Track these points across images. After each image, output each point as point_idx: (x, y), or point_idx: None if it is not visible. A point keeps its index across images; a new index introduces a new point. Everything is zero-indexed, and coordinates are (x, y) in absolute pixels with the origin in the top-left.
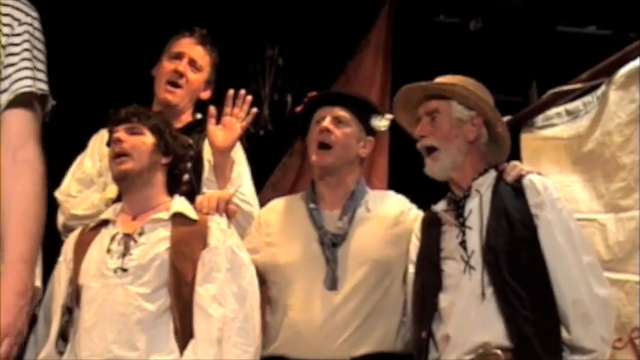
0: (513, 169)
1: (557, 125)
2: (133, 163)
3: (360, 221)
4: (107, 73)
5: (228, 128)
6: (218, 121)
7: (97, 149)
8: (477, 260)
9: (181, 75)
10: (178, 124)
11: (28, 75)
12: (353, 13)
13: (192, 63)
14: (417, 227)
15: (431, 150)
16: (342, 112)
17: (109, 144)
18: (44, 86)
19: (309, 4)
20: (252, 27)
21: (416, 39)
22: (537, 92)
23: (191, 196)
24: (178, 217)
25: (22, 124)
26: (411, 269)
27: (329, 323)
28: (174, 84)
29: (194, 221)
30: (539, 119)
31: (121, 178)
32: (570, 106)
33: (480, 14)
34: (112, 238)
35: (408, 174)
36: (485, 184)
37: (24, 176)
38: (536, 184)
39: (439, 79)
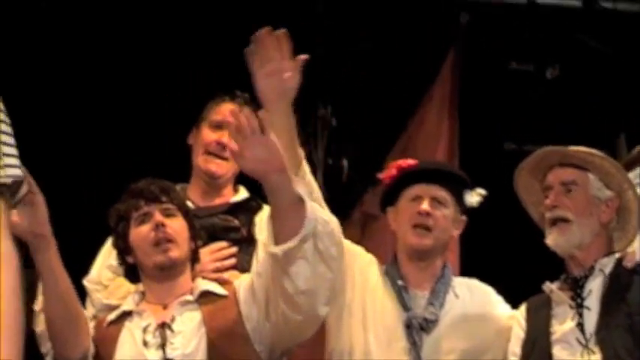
0: (634, 255)
1: None
2: (179, 250)
3: (450, 308)
4: (128, 145)
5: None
6: None
7: None
8: (595, 344)
9: (225, 147)
10: (220, 200)
11: None
12: (413, 64)
13: None
14: (519, 315)
15: (560, 221)
16: (441, 193)
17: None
18: (15, 171)
19: (363, 58)
20: (301, 85)
21: (485, 90)
22: (627, 146)
23: None
24: (206, 296)
25: None
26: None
27: None
28: (218, 156)
29: (223, 296)
30: (630, 177)
31: (167, 267)
32: None
33: (556, 60)
34: (144, 330)
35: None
36: (609, 265)
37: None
38: None
39: (578, 148)
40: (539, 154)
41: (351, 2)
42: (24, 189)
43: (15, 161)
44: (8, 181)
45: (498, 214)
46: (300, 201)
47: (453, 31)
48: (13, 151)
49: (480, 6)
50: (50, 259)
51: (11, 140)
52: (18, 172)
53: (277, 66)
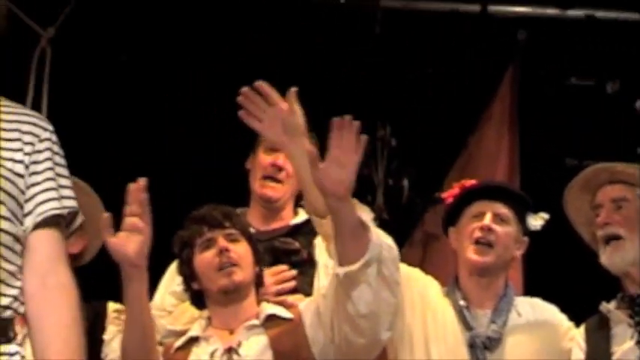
0: None
1: None
2: (243, 273)
3: (514, 326)
4: (189, 171)
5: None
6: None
7: None
8: None
9: (280, 169)
10: (280, 223)
11: (54, 196)
12: (472, 83)
13: None
14: (579, 336)
15: (613, 239)
16: (503, 209)
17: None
18: (71, 202)
19: (422, 77)
20: (358, 104)
21: (545, 106)
22: None
23: None
24: (271, 320)
25: (49, 248)
26: None
27: None
28: (274, 179)
29: (289, 320)
30: None
31: (232, 290)
32: None
33: (617, 74)
34: (212, 356)
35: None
36: None
37: (59, 303)
38: None
39: (626, 165)
40: (587, 173)
41: (409, 23)
42: (79, 219)
43: (70, 193)
44: (65, 212)
45: (561, 230)
46: (363, 226)
47: (511, 49)
48: (69, 182)
49: (538, 22)
50: (140, 290)
51: (66, 172)
52: (74, 203)
53: (273, 113)
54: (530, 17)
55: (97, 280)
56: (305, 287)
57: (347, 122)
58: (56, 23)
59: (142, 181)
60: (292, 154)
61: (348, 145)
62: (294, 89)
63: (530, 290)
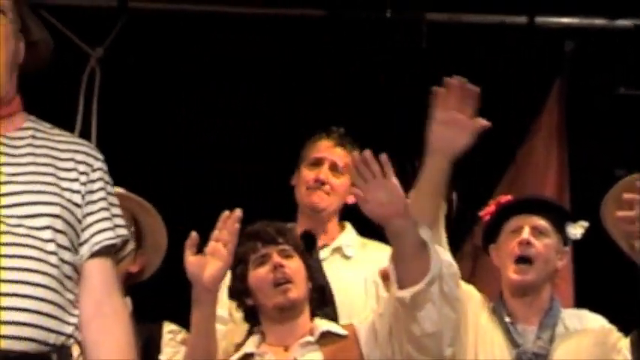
0: None
1: None
2: (297, 290)
3: (561, 340)
4: (237, 185)
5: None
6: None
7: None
8: None
9: (323, 183)
10: (326, 238)
11: (109, 226)
12: (519, 95)
13: (333, 167)
14: (625, 349)
15: None
16: (541, 222)
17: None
18: (123, 231)
19: None
20: (406, 118)
21: (594, 117)
22: None
23: None
24: (326, 337)
25: (104, 277)
26: None
27: None
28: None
29: (343, 337)
30: None
31: (287, 307)
32: None
33: None
34: None
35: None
36: None
37: (115, 329)
38: None
39: None
40: (622, 184)
41: (455, 36)
42: (129, 246)
43: (122, 221)
44: (119, 241)
45: (613, 241)
46: (423, 245)
47: (558, 60)
48: (119, 210)
49: (585, 33)
50: (209, 314)
51: (116, 200)
52: (126, 231)
53: (457, 118)
54: (578, 28)
55: (153, 299)
56: None
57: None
58: (105, 43)
59: (238, 212)
60: (431, 162)
61: (378, 172)
62: (485, 122)
63: (581, 301)
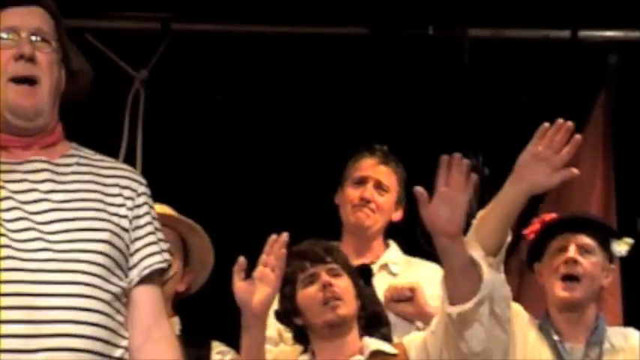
0: None
1: None
2: (347, 308)
3: (608, 358)
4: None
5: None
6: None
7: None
8: None
9: (368, 201)
10: (371, 256)
11: (156, 250)
12: (563, 109)
13: (378, 186)
14: None
15: None
16: (586, 240)
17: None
18: (168, 256)
19: (512, 105)
20: (449, 134)
21: (639, 130)
22: None
23: None
24: (376, 356)
25: (153, 302)
26: None
27: None
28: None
29: (393, 355)
30: None
31: (337, 324)
32: None
33: None
34: None
35: None
36: None
37: (165, 354)
38: None
39: None
40: None
41: (498, 51)
42: (172, 271)
43: (166, 245)
44: (166, 265)
45: None
46: (473, 264)
47: (602, 73)
48: (163, 235)
49: (629, 45)
50: (258, 339)
51: (159, 225)
52: (170, 255)
53: (552, 158)
54: (621, 41)
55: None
56: None
57: (456, 160)
58: (149, 65)
59: (285, 237)
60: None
61: (457, 183)
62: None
63: (629, 318)
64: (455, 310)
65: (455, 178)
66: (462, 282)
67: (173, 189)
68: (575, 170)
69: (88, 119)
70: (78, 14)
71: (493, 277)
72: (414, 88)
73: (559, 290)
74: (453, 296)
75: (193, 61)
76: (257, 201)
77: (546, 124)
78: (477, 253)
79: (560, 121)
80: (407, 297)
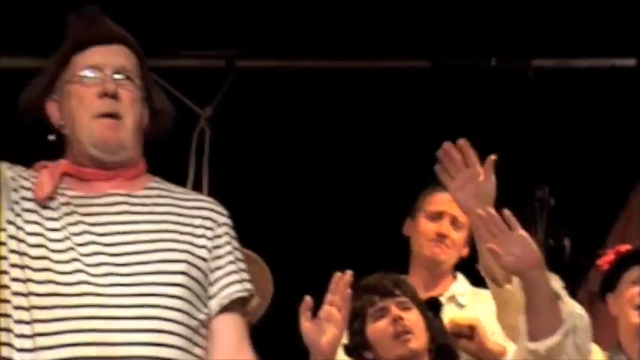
0: None
1: None
2: (418, 341)
3: None
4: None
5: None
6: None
7: None
8: None
9: (445, 237)
10: (440, 289)
11: (237, 279)
12: (630, 138)
13: (453, 222)
14: None
15: None
16: None
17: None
18: (250, 285)
19: (578, 134)
20: (516, 165)
21: None
22: None
23: None
24: None
25: (235, 331)
26: None
27: None
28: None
29: None
30: None
31: (408, 358)
32: None
33: None
34: None
35: None
36: None
37: None
38: None
39: None
40: None
41: (563, 81)
42: (254, 301)
43: (248, 275)
44: (247, 294)
45: None
46: (556, 296)
47: None
48: (245, 265)
49: None
50: None
51: (242, 255)
52: (251, 285)
53: (468, 174)
54: None
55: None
56: None
57: (447, 147)
58: (213, 102)
59: (349, 275)
60: (475, 221)
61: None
62: (493, 157)
63: None
64: (541, 345)
65: (502, 224)
66: (545, 315)
67: (240, 225)
68: (492, 157)
69: (155, 157)
70: (144, 53)
71: (574, 307)
72: (479, 119)
73: (634, 318)
74: (535, 331)
75: (258, 96)
76: (321, 233)
77: (438, 167)
78: (557, 284)
79: (445, 148)
80: (467, 334)
